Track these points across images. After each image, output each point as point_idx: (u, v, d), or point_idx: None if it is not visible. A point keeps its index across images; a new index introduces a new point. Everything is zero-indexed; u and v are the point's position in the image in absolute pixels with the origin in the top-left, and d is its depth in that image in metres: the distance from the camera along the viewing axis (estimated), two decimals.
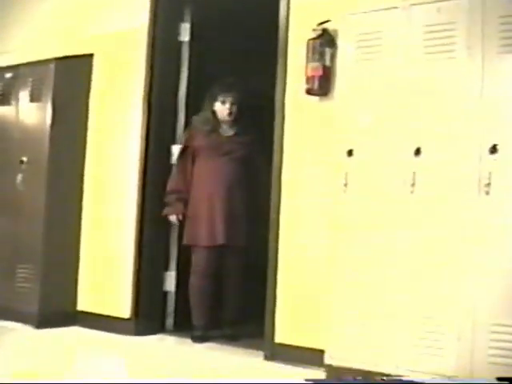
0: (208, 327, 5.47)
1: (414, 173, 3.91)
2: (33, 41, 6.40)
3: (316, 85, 4.60)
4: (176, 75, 5.83)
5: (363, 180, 4.12)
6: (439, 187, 3.84)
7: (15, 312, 5.70)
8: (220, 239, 5.34)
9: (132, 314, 5.54)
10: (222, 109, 5.52)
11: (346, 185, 4.17)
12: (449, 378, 3.70)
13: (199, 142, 5.48)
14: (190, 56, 5.87)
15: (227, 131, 5.55)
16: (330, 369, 4.16)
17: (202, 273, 5.42)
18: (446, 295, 3.77)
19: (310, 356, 4.47)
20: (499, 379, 2.71)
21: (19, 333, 5.50)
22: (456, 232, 3.76)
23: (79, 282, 5.81)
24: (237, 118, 5.56)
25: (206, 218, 5.38)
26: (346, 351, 4.09)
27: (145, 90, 5.64)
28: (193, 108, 5.77)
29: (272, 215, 4.86)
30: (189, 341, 5.39)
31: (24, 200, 5.82)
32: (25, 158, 5.82)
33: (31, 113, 5.92)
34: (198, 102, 5.67)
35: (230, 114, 5.51)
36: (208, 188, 5.40)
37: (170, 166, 5.66)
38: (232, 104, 5.52)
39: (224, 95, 5.51)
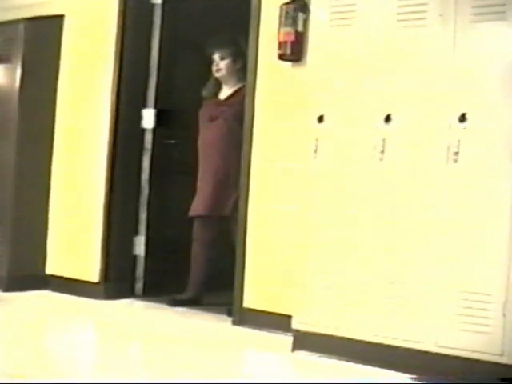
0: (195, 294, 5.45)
1: (384, 140, 3.91)
2: (1, 1, 6.30)
3: (288, 50, 4.59)
4: (148, 38, 5.73)
5: (333, 146, 4.11)
6: (408, 154, 3.85)
7: None
8: (200, 210, 5.31)
9: (101, 278, 5.54)
10: (213, 68, 5.40)
11: (315, 151, 4.14)
12: (415, 342, 3.73)
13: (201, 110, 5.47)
14: (163, 18, 5.78)
15: (227, 92, 5.45)
16: (297, 334, 4.18)
17: (196, 241, 5.42)
18: (412, 259, 3.79)
19: (279, 321, 4.50)
20: (501, 379, 2.74)
21: None
22: (423, 199, 3.78)
23: (49, 246, 5.79)
24: (238, 73, 5.38)
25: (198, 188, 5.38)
26: (314, 316, 4.10)
27: (116, 53, 5.57)
28: (165, 71, 5.73)
29: (242, 180, 4.86)
30: (158, 305, 5.40)
31: None
32: None
33: (0, 74, 5.84)
34: (170, 65, 5.62)
35: (219, 70, 5.37)
36: (201, 158, 5.36)
37: (141, 129, 5.66)
38: (221, 59, 5.36)
39: (213, 53, 5.38)
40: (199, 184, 5.36)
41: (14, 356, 3.86)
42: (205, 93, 5.44)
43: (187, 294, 5.42)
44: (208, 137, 5.33)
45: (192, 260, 5.42)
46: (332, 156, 4.11)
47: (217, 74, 5.39)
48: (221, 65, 5.37)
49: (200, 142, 5.37)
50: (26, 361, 3.77)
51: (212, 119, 5.33)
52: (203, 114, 5.38)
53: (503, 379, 2.72)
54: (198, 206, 5.33)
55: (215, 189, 5.27)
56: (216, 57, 5.36)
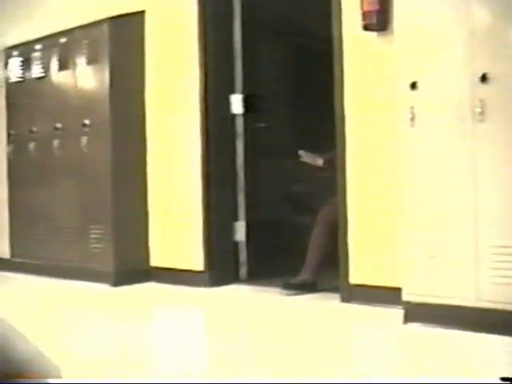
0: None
1: (482, 100, 3.81)
2: (83, 1, 6.38)
3: (374, 20, 4.51)
4: (229, 23, 5.71)
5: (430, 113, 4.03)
6: None
7: (91, 272, 5.80)
8: None
9: (205, 266, 5.56)
10: None
11: (412, 119, 4.04)
12: None
13: None
14: (242, 3, 5.74)
15: None
16: (408, 306, 4.09)
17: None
18: None
19: (388, 295, 4.42)
20: (503, 379, 2.68)
21: (98, 291, 5.62)
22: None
23: (150, 239, 5.86)
24: None
25: None
26: (424, 286, 4.02)
27: (199, 42, 5.56)
28: (249, 56, 5.70)
29: (338, 157, 4.80)
30: (264, 289, 5.37)
31: (90, 162, 5.88)
32: (87, 121, 5.85)
33: (89, 75, 5.94)
34: (254, 49, 5.57)
35: None
36: None
37: (231, 115, 5.66)
38: None
39: None
40: None
41: (121, 344, 3.98)
42: None
43: (301, 278, 5.24)
44: None
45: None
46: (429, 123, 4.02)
47: None
48: None
49: None
50: (137, 349, 3.88)
51: None
52: None
53: (507, 379, 2.66)
54: None
55: None
56: None
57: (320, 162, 5.30)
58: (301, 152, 5.29)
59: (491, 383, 2.71)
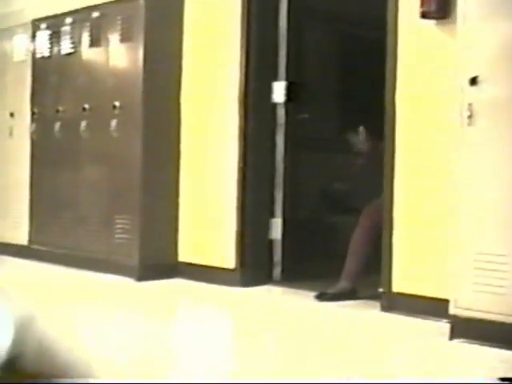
0: None
1: None
2: None
3: (433, 7, 4.30)
4: (275, 5, 5.54)
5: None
6: None
7: (115, 264, 5.70)
8: None
9: (237, 264, 5.44)
10: None
11: (470, 117, 3.82)
12: None
13: None
14: None
15: None
16: (455, 320, 3.88)
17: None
18: None
19: (433, 306, 4.23)
20: (502, 379, 2.71)
21: (120, 285, 5.51)
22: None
23: (180, 232, 5.74)
24: None
25: None
26: (475, 300, 3.80)
27: (242, 23, 5.43)
28: (294, 42, 5.53)
29: (386, 157, 4.60)
30: (299, 292, 5.22)
31: (119, 147, 5.77)
32: (118, 103, 5.72)
33: (122, 54, 5.86)
34: (299, 35, 5.44)
35: None
36: None
37: (272, 104, 5.50)
38: None
39: None
40: None
41: (145, 346, 3.89)
42: None
43: (339, 286, 5.07)
44: None
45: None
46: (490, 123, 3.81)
47: None
48: None
49: None
50: (162, 352, 3.77)
51: None
52: None
53: (506, 379, 2.67)
54: None
55: None
56: None
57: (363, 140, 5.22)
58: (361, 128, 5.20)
59: (491, 383, 2.72)
